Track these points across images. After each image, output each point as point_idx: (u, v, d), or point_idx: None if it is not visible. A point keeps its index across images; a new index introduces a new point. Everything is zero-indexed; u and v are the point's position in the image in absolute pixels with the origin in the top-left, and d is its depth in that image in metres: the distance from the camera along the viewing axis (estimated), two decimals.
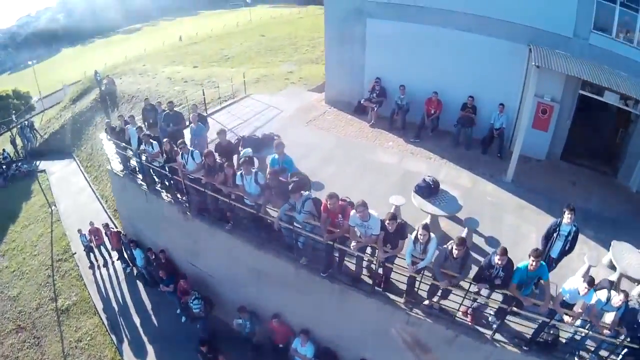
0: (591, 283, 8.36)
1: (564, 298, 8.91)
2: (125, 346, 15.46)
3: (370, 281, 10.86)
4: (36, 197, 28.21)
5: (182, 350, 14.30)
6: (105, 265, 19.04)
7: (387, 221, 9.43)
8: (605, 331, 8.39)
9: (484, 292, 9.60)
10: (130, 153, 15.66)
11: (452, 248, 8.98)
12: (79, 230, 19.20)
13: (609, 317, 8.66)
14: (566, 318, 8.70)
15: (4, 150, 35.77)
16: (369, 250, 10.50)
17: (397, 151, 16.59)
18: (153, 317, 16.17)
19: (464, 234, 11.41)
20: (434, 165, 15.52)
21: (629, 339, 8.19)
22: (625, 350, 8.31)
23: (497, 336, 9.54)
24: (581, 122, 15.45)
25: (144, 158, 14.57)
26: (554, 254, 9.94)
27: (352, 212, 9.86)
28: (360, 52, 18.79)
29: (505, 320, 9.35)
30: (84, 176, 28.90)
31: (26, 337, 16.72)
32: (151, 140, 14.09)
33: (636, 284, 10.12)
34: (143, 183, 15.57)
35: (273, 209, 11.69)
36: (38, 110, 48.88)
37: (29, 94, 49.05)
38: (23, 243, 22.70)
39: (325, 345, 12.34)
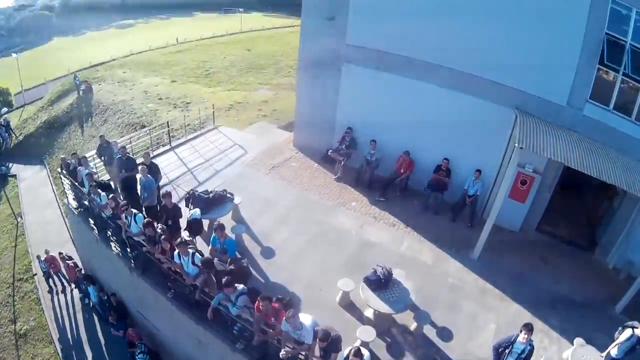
0: None
1: None
2: None
3: None
4: (4, 206, 27.09)
5: None
6: (64, 291, 18.24)
7: (319, 340, 8.33)
8: None
9: None
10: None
11: None
12: (38, 257, 18.64)
13: None
14: None
15: None
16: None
17: (359, 214, 15.18)
18: (106, 355, 15.06)
19: (412, 328, 10.79)
20: (397, 234, 14.23)
21: None
22: None
23: None
24: (562, 193, 14.49)
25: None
26: None
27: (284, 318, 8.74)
28: (333, 97, 17.29)
29: None
30: (52, 188, 27.38)
31: None
32: (99, 191, 13.34)
33: None
34: (94, 228, 14.51)
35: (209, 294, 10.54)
36: (18, 105, 47.19)
37: (7, 90, 47.12)
38: None
39: None
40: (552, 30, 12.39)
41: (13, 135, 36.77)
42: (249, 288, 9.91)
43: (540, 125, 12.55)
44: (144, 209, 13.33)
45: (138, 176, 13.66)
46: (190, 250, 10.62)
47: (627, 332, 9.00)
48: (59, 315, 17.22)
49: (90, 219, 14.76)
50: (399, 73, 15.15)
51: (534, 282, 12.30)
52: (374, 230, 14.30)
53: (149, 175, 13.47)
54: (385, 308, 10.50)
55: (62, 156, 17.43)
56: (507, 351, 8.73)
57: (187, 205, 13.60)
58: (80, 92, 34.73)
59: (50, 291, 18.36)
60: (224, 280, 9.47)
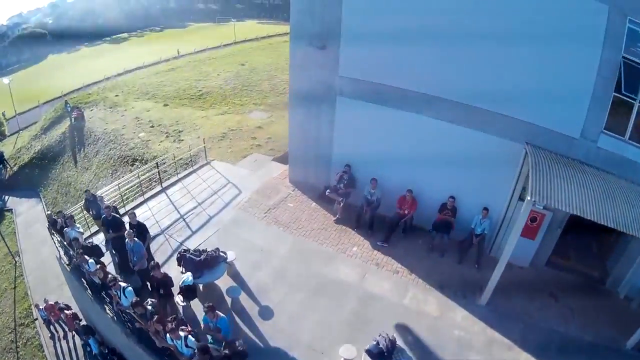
0: None
1: None
2: None
3: None
4: (0, 244, 25.72)
5: None
6: (66, 337, 17.16)
7: None
8: None
9: None
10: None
11: None
12: (37, 305, 17.98)
13: None
14: None
15: None
16: None
17: (360, 261, 13.88)
18: None
19: None
20: (400, 283, 12.98)
21: None
22: None
23: None
24: (574, 226, 13.06)
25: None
26: None
27: None
28: (328, 133, 15.96)
29: None
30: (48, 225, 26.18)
31: None
32: (87, 258, 12.22)
33: None
34: (87, 288, 13.38)
35: None
36: (12, 131, 46.20)
37: (1, 118, 46.17)
38: None
39: None
40: (565, 56, 11.14)
41: (8, 166, 35.57)
42: None
43: (553, 165, 11.38)
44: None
45: None
46: (182, 334, 9.67)
47: None
48: None
49: (82, 278, 13.62)
50: (397, 106, 13.90)
51: (543, 324, 11.47)
52: (376, 280, 13.11)
53: (135, 239, 12.43)
54: None
55: (48, 212, 16.40)
56: None
57: (179, 264, 12.64)
58: (72, 120, 33.53)
59: (52, 337, 17.45)
60: None
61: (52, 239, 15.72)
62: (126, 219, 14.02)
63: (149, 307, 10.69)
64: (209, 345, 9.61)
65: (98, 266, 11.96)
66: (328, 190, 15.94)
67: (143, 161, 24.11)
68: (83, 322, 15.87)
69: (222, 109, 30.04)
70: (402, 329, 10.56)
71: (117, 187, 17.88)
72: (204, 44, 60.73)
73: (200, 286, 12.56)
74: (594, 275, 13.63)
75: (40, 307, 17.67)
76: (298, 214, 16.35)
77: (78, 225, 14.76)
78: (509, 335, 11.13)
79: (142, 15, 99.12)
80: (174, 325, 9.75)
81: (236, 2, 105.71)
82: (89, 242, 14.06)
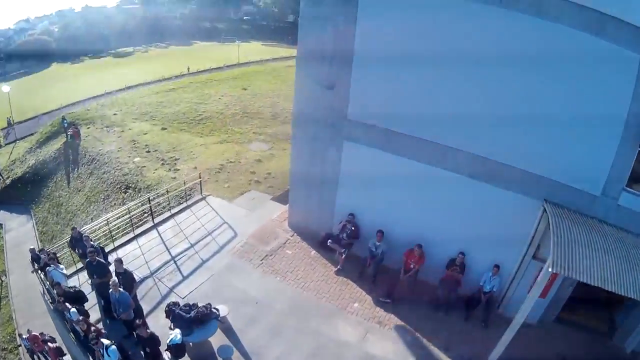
0: None
1: None
2: None
3: None
4: None
5: None
6: None
7: None
8: None
9: None
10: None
11: None
12: (20, 335, 16.72)
13: None
14: None
15: None
16: None
17: (362, 319, 12.89)
18: None
19: None
20: (403, 345, 12.03)
21: None
22: None
23: None
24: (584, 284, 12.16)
25: None
26: None
27: None
28: (333, 178, 14.93)
29: None
30: (37, 245, 25.34)
31: None
32: (68, 306, 11.45)
33: None
34: (70, 332, 12.16)
35: None
36: (9, 140, 45.11)
37: None
38: None
39: None
40: (590, 109, 10.46)
41: (1, 178, 34.39)
42: None
43: (573, 228, 10.50)
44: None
45: None
46: None
47: None
48: None
49: (66, 321, 12.45)
50: (410, 156, 13.01)
51: None
52: (378, 341, 12.14)
53: (121, 290, 11.38)
54: None
55: (31, 247, 15.16)
56: None
57: (167, 317, 11.67)
58: (68, 137, 32.48)
59: None
60: None
61: (35, 273, 14.52)
62: (112, 260, 13.20)
63: None
64: None
65: (81, 318, 10.96)
66: (330, 241, 14.84)
67: (136, 189, 23.02)
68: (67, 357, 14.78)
69: (222, 137, 29.01)
70: None
71: (105, 222, 16.66)
72: (207, 64, 60.12)
73: (190, 343, 11.47)
74: (602, 330, 13.09)
75: (24, 336, 16.22)
76: (296, 263, 15.26)
77: (62, 266, 13.73)
78: None
79: (148, 30, 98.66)
80: None
81: (242, 23, 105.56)
82: (73, 288, 12.88)
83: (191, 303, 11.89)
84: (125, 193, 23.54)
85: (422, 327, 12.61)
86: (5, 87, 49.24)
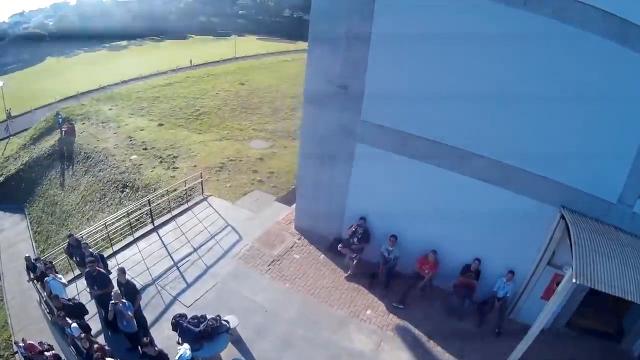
0: None
1: None
2: None
3: None
4: None
5: None
6: None
7: None
8: None
9: None
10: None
11: None
12: (16, 343, 14.81)
13: None
14: None
15: None
16: None
17: (375, 327, 12.19)
18: None
19: None
20: (418, 352, 11.49)
21: None
22: None
23: None
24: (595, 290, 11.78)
25: None
26: None
27: None
28: (343, 181, 14.08)
29: None
30: (32, 246, 24.09)
31: None
32: (69, 321, 10.47)
33: None
34: (70, 345, 11.26)
35: None
36: (3, 136, 43.90)
37: None
38: None
39: None
40: (610, 118, 10.10)
41: None
42: None
43: (592, 237, 10.07)
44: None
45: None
46: None
47: None
48: None
49: (66, 335, 11.50)
50: (425, 159, 12.28)
51: None
52: (391, 349, 11.53)
53: (124, 301, 10.45)
54: None
55: (27, 255, 14.11)
56: None
57: (174, 330, 10.82)
58: (63, 133, 31.33)
59: None
60: None
61: (31, 282, 13.44)
62: (112, 268, 12.60)
63: None
64: None
65: (83, 335, 10.01)
66: (340, 245, 14.08)
67: (134, 188, 22.07)
68: None
69: (221, 134, 28.04)
70: None
71: (104, 226, 15.69)
72: (204, 58, 59.02)
73: (200, 358, 10.55)
74: (610, 334, 12.74)
75: (20, 344, 15.43)
76: (305, 268, 14.43)
77: (60, 276, 12.66)
78: None
79: (143, 24, 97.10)
80: None
81: (237, 17, 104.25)
82: (72, 300, 11.92)
83: (199, 315, 11.00)
84: (122, 192, 22.57)
85: (436, 334, 12.05)
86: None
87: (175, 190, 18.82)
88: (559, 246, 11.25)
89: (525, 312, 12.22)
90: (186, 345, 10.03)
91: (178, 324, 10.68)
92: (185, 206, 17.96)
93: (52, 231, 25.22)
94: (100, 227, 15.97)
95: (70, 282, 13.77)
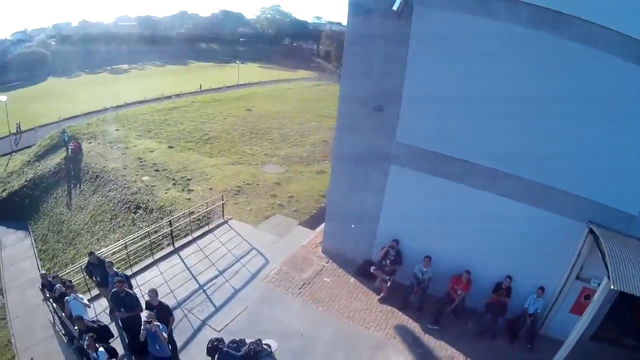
0: None
1: None
2: None
3: None
4: None
5: None
6: None
7: None
8: None
9: None
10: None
11: None
12: None
13: None
14: None
15: None
16: None
17: (413, 347, 11.94)
18: None
19: None
20: None
21: None
22: None
23: None
24: (621, 302, 11.86)
25: None
26: None
27: None
28: (376, 204, 14.05)
29: None
30: (37, 264, 23.33)
31: None
32: (97, 346, 9.61)
33: None
34: None
35: None
36: (5, 152, 43.12)
37: None
38: None
39: None
40: (629, 139, 10.56)
41: None
42: None
43: (622, 248, 10.23)
44: None
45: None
46: None
47: None
48: None
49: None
50: (459, 180, 12.39)
51: None
52: None
53: (159, 325, 9.77)
54: None
55: (43, 272, 13.64)
56: None
57: (209, 354, 10.45)
58: (69, 152, 30.84)
59: None
60: None
61: (46, 303, 12.81)
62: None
63: None
64: None
65: None
66: (373, 268, 13.86)
67: (147, 210, 21.54)
68: None
69: (233, 158, 27.77)
70: None
71: (123, 245, 15.18)
72: (207, 84, 59.13)
73: None
74: (631, 344, 12.74)
75: None
76: (337, 291, 14.11)
77: (82, 296, 11.93)
78: None
79: (144, 48, 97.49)
80: None
81: (238, 45, 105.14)
82: (96, 322, 11.32)
83: (237, 339, 10.51)
84: (136, 213, 22.01)
85: (471, 353, 11.89)
86: (2, 97, 47.48)
87: (193, 213, 18.30)
88: (586, 260, 11.41)
89: (554, 327, 12.31)
90: None
91: (216, 348, 10.22)
92: (206, 228, 17.49)
93: (58, 250, 24.51)
94: (119, 247, 15.40)
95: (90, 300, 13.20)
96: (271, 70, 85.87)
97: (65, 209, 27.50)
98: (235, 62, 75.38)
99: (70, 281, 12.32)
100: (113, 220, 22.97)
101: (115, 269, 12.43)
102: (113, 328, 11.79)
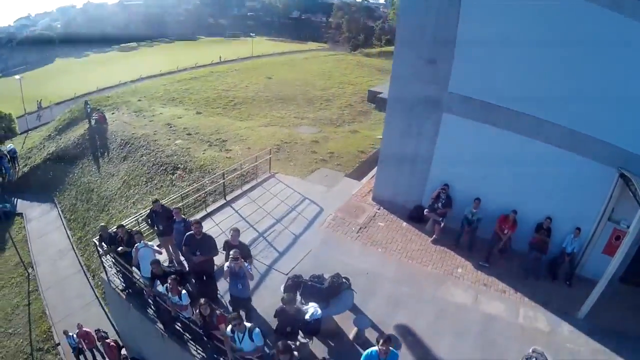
0: None
1: None
2: None
3: None
4: (10, 252, 22.88)
5: None
6: None
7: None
8: None
9: None
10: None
11: None
12: (65, 332, 15.19)
13: None
14: None
15: None
16: None
17: (469, 283, 12.71)
18: None
19: None
20: (510, 303, 12.09)
21: None
22: None
23: None
24: None
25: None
26: None
27: None
28: (428, 150, 14.67)
29: None
30: (67, 233, 23.78)
31: None
32: (180, 289, 9.62)
33: None
34: (157, 321, 10.83)
35: None
36: (21, 130, 42.93)
37: (10, 116, 42.40)
38: None
39: None
40: None
41: (17, 166, 32.37)
42: None
43: None
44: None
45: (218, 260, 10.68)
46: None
47: None
48: None
49: (148, 308, 11.13)
50: (506, 127, 13.09)
51: (632, 334, 11.22)
52: (488, 301, 12.12)
53: (245, 262, 9.71)
54: None
55: (102, 224, 13.34)
56: None
57: (288, 291, 10.08)
58: (93, 122, 30.55)
59: None
60: None
61: (101, 258, 12.52)
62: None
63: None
64: None
65: (203, 300, 9.11)
66: (427, 210, 14.39)
67: (187, 170, 21.34)
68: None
69: (264, 121, 27.62)
70: (526, 348, 9.46)
71: (179, 197, 15.11)
72: (219, 57, 58.67)
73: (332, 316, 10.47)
74: None
75: (70, 333, 15.04)
76: (392, 234, 14.56)
77: (151, 243, 11.65)
78: (608, 345, 10.83)
79: (151, 26, 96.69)
80: None
81: (246, 19, 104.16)
82: (171, 267, 11.25)
83: (317, 274, 10.47)
84: (174, 174, 21.90)
85: (520, 287, 12.62)
86: (17, 76, 47.33)
87: (243, 165, 18.27)
88: (617, 204, 12.15)
89: (588, 267, 12.99)
90: (313, 304, 9.58)
91: (299, 284, 10.08)
92: (255, 182, 17.53)
93: (89, 217, 24.44)
94: (177, 199, 15.32)
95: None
96: (280, 42, 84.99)
97: (93, 177, 27.37)
98: (251, 35, 74.41)
99: (139, 232, 11.70)
100: (149, 183, 22.90)
101: (183, 216, 12.23)
102: None
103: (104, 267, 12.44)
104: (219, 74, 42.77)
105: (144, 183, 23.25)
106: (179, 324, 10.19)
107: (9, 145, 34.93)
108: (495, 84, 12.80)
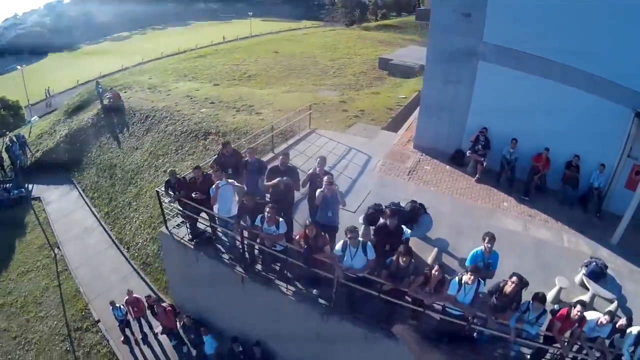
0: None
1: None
2: None
3: None
4: (32, 234, 22.06)
5: None
6: (145, 341, 14.19)
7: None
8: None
9: None
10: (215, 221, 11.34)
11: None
12: (112, 303, 14.10)
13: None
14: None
15: None
16: None
17: (515, 214, 14.16)
18: None
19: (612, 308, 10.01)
20: (555, 230, 13.54)
21: None
22: None
23: None
24: None
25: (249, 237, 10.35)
26: None
27: None
28: (466, 97, 15.88)
29: None
30: (92, 211, 23.45)
31: None
32: (277, 218, 9.56)
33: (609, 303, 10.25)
34: (235, 264, 11.10)
35: None
36: (26, 120, 42.64)
37: (18, 104, 42.05)
38: (23, 298, 17.02)
39: None
40: None
41: (28, 152, 32.18)
42: None
43: None
44: None
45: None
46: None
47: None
48: None
49: (223, 254, 11.45)
50: (538, 74, 14.23)
51: None
52: (536, 228, 13.55)
53: (338, 188, 10.26)
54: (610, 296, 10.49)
55: (172, 169, 13.31)
56: None
57: (367, 220, 11.15)
58: (105, 101, 30.39)
59: (127, 342, 14.33)
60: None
61: (163, 209, 12.54)
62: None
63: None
64: None
65: (309, 221, 9.43)
66: (469, 151, 15.64)
67: (219, 134, 21.46)
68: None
69: (284, 88, 27.75)
70: (577, 266, 11.28)
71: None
72: (218, 39, 58.36)
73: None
74: None
75: (117, 304, 14.18)
76: (439, 176, 15.80)
77: (232, 180, 11.36)
78: None
79: (141, 14, 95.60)
80: None
81: (237, 1, 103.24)
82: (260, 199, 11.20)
83: (394, 202, 10.80)
84: (206, 140, 22.08)
85: (560, 218, 14.00)
86: (19, 66, 46.93)
87: (288, 120, 18.76)
88: (635, 141, 13.15)
89: (613, 202, 14.13)
90: (405, 227, 10.10)
91: (380, 211, 10.38)
92: (297, 137, 18.09)
93: (116, 192, 24.23)
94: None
95: None
96: (274, 22, 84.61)
97: (115, 153, 27.15)
98: (249, 14, 74.01)
99: (218, 169, 11.39)
100: (179, 151, 23.00)
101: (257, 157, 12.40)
102: None
103: (165, 219, 12.54)
104: (224, 51, 42.74)
105: (173, 152, 23.32)
106: (259, 264, 10.35)
107: (17, 132, 34.60)
108: (526, 33, 13.79)
